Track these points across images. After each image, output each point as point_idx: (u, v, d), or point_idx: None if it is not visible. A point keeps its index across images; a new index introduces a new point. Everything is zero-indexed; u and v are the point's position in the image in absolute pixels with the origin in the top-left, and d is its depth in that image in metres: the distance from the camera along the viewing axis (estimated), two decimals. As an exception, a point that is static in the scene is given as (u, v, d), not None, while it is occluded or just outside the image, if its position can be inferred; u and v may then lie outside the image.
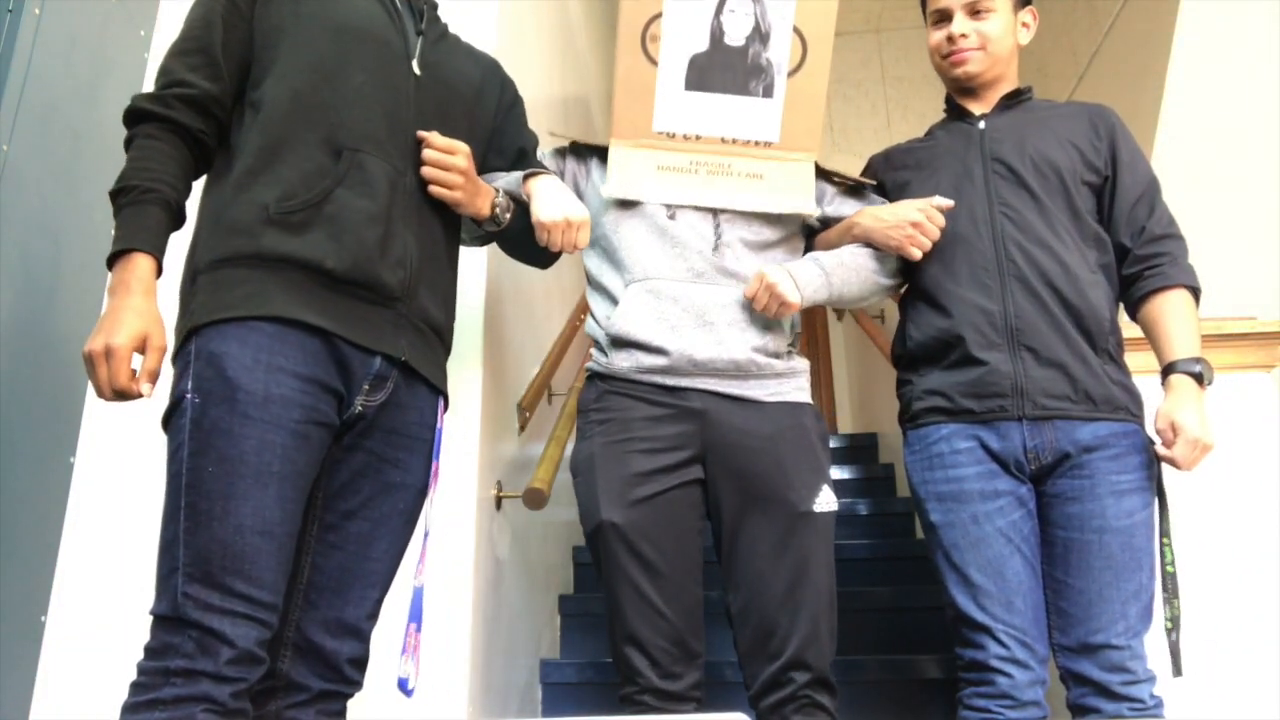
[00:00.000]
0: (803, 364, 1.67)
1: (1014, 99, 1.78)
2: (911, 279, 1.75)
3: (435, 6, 1.57)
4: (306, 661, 1.29)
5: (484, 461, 1.93)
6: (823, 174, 1.74)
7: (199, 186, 1.37)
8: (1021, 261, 1.64)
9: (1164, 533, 1.57)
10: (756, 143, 1.67)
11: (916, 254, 1.64)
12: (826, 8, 1.66)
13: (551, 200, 1.52)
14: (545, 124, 2.50)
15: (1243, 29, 2.78)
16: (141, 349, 1.18)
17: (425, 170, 1.40)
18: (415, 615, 1.35)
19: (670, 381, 1.58)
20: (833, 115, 5.53)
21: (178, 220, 1.28)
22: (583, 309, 2.79)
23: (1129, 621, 1.52)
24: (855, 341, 5.12)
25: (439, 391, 1.44)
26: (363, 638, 1.34)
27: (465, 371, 1.92)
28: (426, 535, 1.40)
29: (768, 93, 1.66)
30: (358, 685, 1.34)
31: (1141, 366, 1.71)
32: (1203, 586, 2.00)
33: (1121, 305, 1.72)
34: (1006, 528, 1.58)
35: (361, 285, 1.30)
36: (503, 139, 1.63)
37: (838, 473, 3.83)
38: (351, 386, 1.30)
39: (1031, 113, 1.77)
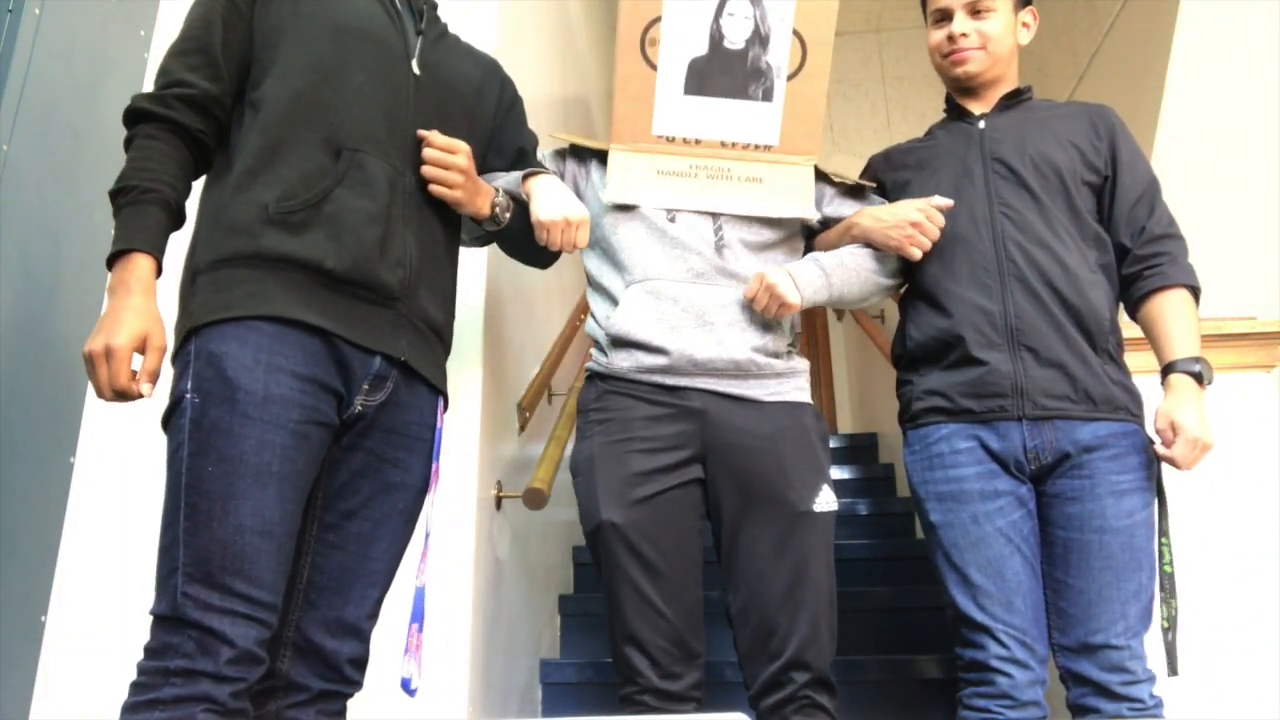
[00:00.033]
0: (803, 364, 1.67)
1: (1014, 99, 1.78)
2: (911, 279, 1.75)
3: (435, 6, 1.57)
4: (306, 661, 1.29)
5: (484, 461, 1.93)
6: (822, 176, 1.74)
7: (198, 186, 1.37)
8: (1021, 261, 1.64)
9: (1163, 533, 1.57)
10: (756, 146, 1.67)
11: (916, 254, 1.65)
12: (826, 10, 1.65)
13: (551, 199, 1.52)
14: (545, 124, 2.50)
15: (1243, 29, 2.78)
16: (141, 349, 1.18)
17: (425, 169, 1.40)
18: (417, 615, 1.35)
19: (670, 381, 1.58)
20: (833, 115, 5.53)
21: (177, 220, 1.28)
22: (583, 309, 2.79)
23: (1129, 621, 1.52)
24: (855, 341, 5.12)
25: (438, 391, 1.44)
26: (363, 638, 1.34)
27: (465, 371, 1.92)
28: (428, 535, 1.40)
29: (767, 96, 1.66)
30: (358, 685, 1.34)
31: (1141, 366, 1.71)
32: (1202, 586, 2.00)
33: (1121, 305, 1.72)
34: (1006, 528, 1.58)
35: (361, 285, 1.30)
36: (502, 139, 1.63)
37: (838, 473, 3.84)
38: (351, 386, 1.30)
39: (1031, 112, 1.77)
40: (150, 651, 1.14)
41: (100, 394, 1.17)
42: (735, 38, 1.65)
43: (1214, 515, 2.06)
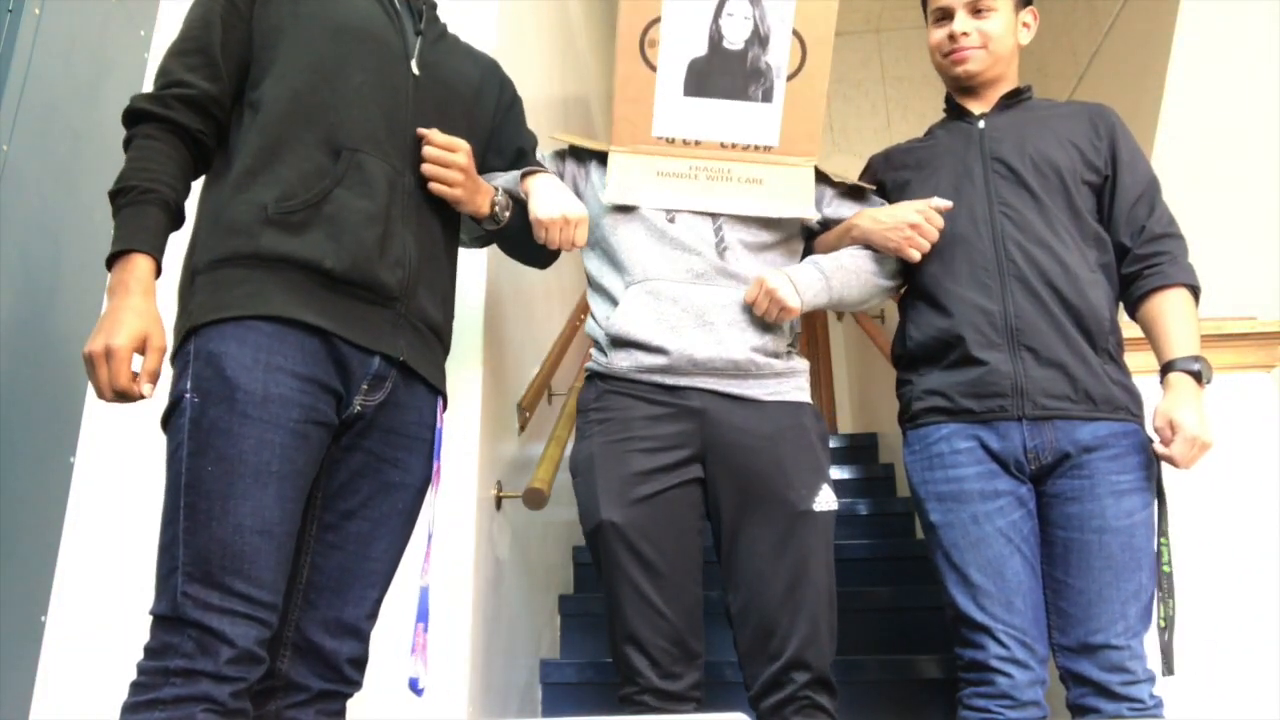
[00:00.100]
0: (802, 364, 1.67)
1: (1014, 98, 1.78)
2: (911, 279, 1.75)
3: (434, 6, 1.57)
4: (306, 661, 1.29)
5: (484, 461, 1.93)
6: (822, 177, 1.74)
7: (198, 186, 1.37)
8: (1021, 261, 1.64)
9: (1162, 533, 1.57)
10: (756, 147, 1.67)
11: (915, 255, 1.64)
12: (826, 10, 1.65)
13: (549, 197, 1.52)
14: (545, 124, 2.50)
15: (1243, 29, 2.78)
16: (141, 349, 1.18)
17: (425, 168, 1.40)
18: (422, 615, 1.35)
19: (670, 381, 1.58)
20: (833, 115, 5.53)
21: (177, 220, 1.28)
22: (583, 309, 2.79)
23: (1129, 621, 1.52)
24: (855, 341, 5.12)
25: (437, 391, 1.44)
26: (362, 637, 1.34)
27: (465, 371, 1.92)
28: (430, 536, 1.40)
29: (767, 97, 1.66)
30: (357, 685, 1.34)
31: (1141, 366, 1.71)
32: (1202, 586, 2.00)
33: (1121, 305, 1.72)
34: (1006, 528, 1.58)
35: (360, 285, 1.30)
36: (501, 139, 1.63)
37: (838, 473, 3.84)
38: (350, 386, 1.30)
39: (1031, 112, 1.77)
40: (150, 651, 1.14)
41: (101, 395, 1.17)
42: (735, 38, 1.65)
43: (1214, 515, 2.06)
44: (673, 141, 1.67)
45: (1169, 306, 1.63)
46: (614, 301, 1.64)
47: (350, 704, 1.36)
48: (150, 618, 1.16)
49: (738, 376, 1.59)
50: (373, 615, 1.35)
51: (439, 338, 1.45)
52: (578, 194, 1.70)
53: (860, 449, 4.27)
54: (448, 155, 1.40)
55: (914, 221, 1.63)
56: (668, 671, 1.50)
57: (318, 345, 1.26)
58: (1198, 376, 1.56)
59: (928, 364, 1.70)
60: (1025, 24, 1.79)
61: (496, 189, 1.52)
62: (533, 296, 2.55)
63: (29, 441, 1.68)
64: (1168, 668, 1.52)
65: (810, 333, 5.97)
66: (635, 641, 1.51)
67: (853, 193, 1.77)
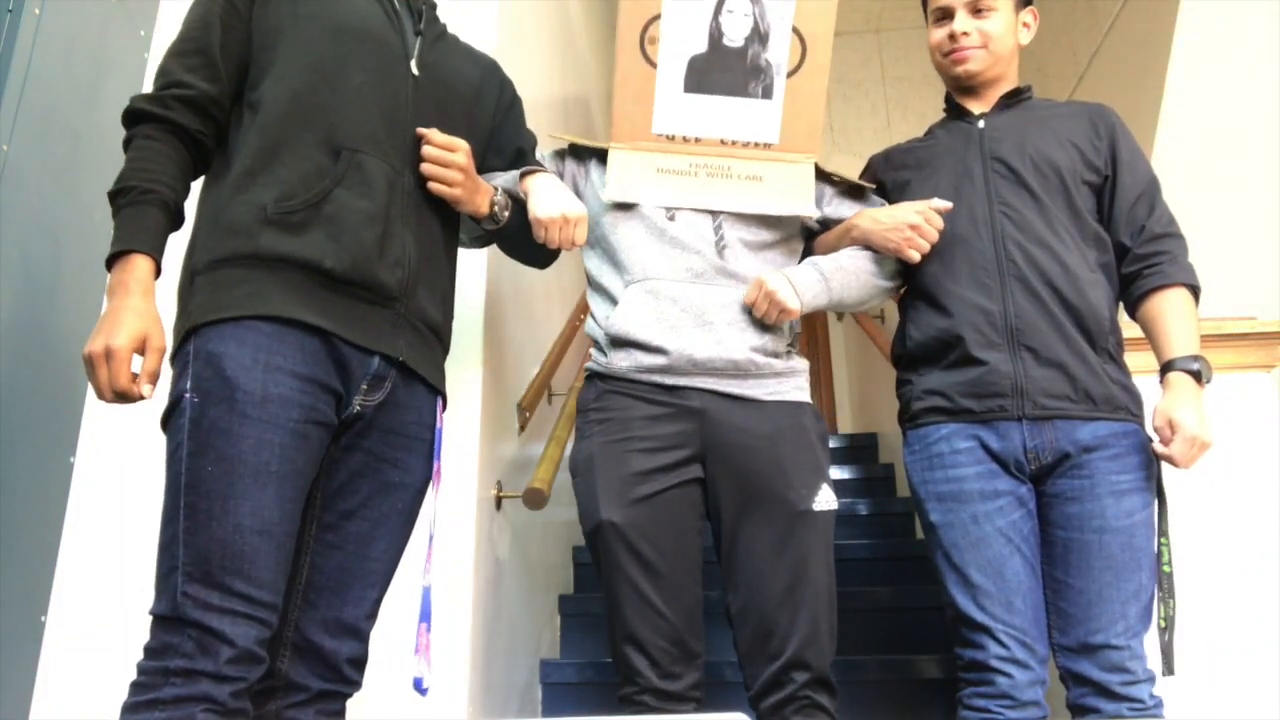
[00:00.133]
0: (802, 364, 1.67)
1: (1014, 98, 1.78)
2: (911, 279, 1.75)
3: (434, 7, 1.57)
4: (305, 661, 1.29)
5: (484, 461, 1.93)
6: (822, 175, 1.74)
7: (197, 187, 1.37)
8: (1021, 261, 1.64)
9: (1162, 533, 1.57)
10: (756, 144, 1.67)
11: (915, 256, 1.64)
12: (826, 8, 1.65)
13: (548, 197, 1.53)
14: (545, 124, 2.50)
15: (1243, 29, 2.78)
16: (141, 350, 1.18)
17: (424, 167, 1.40)
18: (425, 615, 1.35)
19: (669, 381, 1.58)
20: (833, 115, 5.53)
21: (176, 221, 1.28)
22: (583, 309, 2.79)
23: (1129, 621, 1.52)
24: (855, 341, 5.12)
25: (437, 391, 1.44)
26: (362, 638, 1.34)
27: (465, 371, 1.92)
28: (432, 536, 1.40)
29: (767, 94, 1.66)
30: (357, 685, 1.34)
31: (1142, 366, 1.71)
32: (1202, 586, 2.00)
33: (1121, 304, 1.71)
34: (1006, 528, 1.58)
35: (360, 285, 1.30)
36: (501, 139, 1.63)
37: (838, 473, 3.83)
38: (350, 386, 1.30)
39: (1031, 112, 1.77)
40: (150, 651, 1.14)
41: (100, 395, 1.17)
42: (735, 35, 1.65)
43: (1214, 515, 2.06)
44: (673, 138, 1.67)
45: (1169, 306, 1.62)
46: (613, 301, 1.63)
47: (350, 704, 1.36)
48: (150, 618, 1.16)
49: (737, 376, 1.59)
50: (372, 615, 1.35)
51: (438, 338, 1.45)
52: (577, 193, 1.70)
53: (860, 449, 4.27)
54: (447, 155, 1.40)
55: (914, 222, 1.63)
56: (667, 671, 1.50)
57: (317, 345, 1.26)
58: (1197, 376, 1.56)
59: (928, 364, 1.70)
60: (1025, 24, 1.79)
61: (496, 189, 1.52)
62: (533, 296, 2.55)
63: (29, 441, 1.68)
64: (1168, 668, 1.52)
65: (810, 333, 5.97)
66: (635, 641, 1.51)
67: (853, 192, 1.77)
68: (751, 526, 1.54)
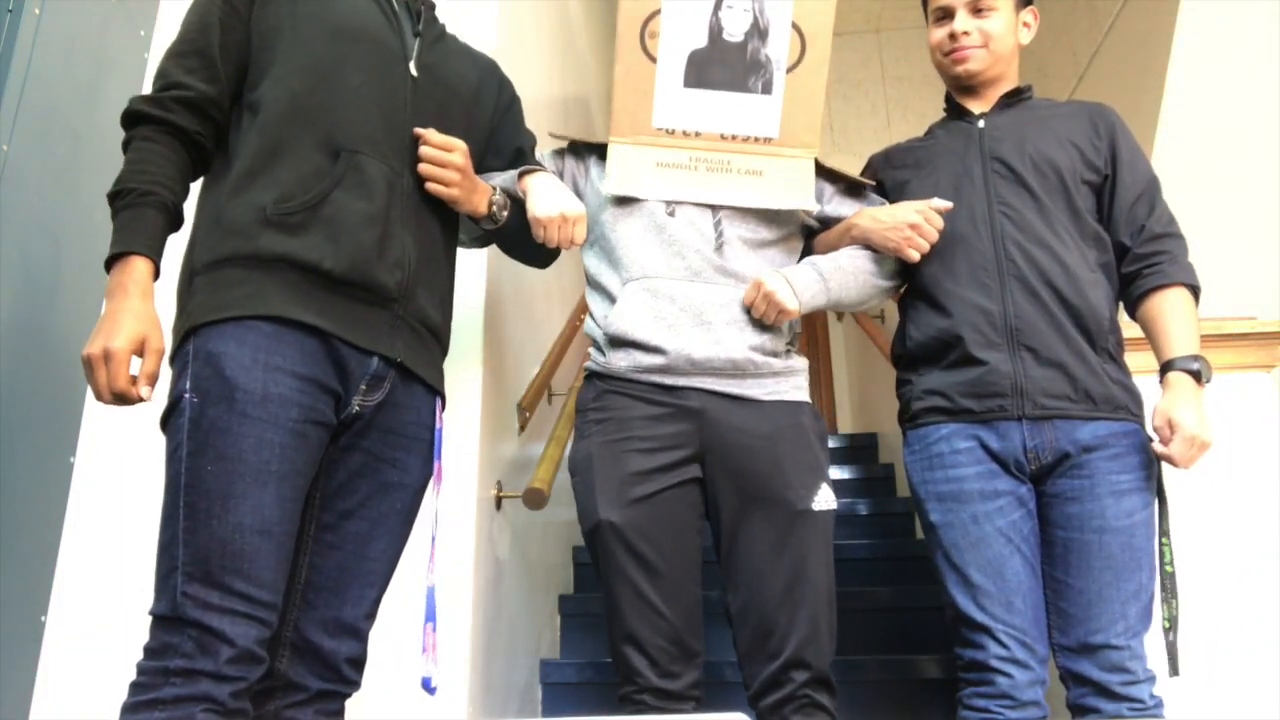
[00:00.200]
0: (801, 363, 1.67)
1: (1014, 98, 1.78)
2: (911, 279, 1.75)
3: (432, 7, 1.57)
4: (305, 661, 1.29)
5: (484, 461, 1.93)
6: (823, 172, 1.74)
7: (196, 187, 1.37)
8: (1021, 261, 1.64)
9: (1163, 532, 1.57)
10: (756, 139, 1.67)
11: (915, 256, 1.64)
12: (825, 4, 1.66)
13: (547, 196, 1.53)
14: (545, 124, 2.50)
15: (1243, 29, 2.78)
16: (140, 352, 1.18)
17: (422, 167, 1.40)
18: (430, 615, 1.35)
19: (668, 381, 1.58)
20: (833, 115, 5.53)
21: (175, 222, 1.28)
22: (583, 309, 2.79)
23: (1129, 621, 1.52)
24: (855, 341, 5.12)
25: (436, 392, 1.44)
26: (361, 637, 1.34)
27: (465, 371, 1.92)
28: (434, 537, 1.40)
29: (767, 89, 1.66)
30: (356, 685, 1.34)
31: (1142, 366, 1.71)
32: (1202, 586, 2.00)
33: (1121, 304, 1.71)
34: (1006, 528, 1.58)
35: (359, 286, 1.30)
36: (500, 139, 1.63)
37: (838, 473, 3.83)
38: (349, 386, 1.30)
39: (1031, 112, 1.77)
40: (150, 651, 1.14)
41: (99, 397, 1.17)
42: (734, 30, 1.65)
43: (1214, 515, 2.06)
44: (672, 133, 1.67)
45: (1168, 306, 1.62)
46: (612, 299, 1.63)
47: (350, 704, 1.36)
48: (150, 618, 1.16)
49: (736, 376, 1.59)
50: (371, 615, 1.35)
51: (437, 338, 1.45)
52: (577, 191, 1.70)
53: (860, 449, 4.27)
54: (444, 155, 1.40)
55: (913, 221, 1.63)
56: (667, 671, 1.50)
57: (316, 345, 1.26)
58: (1197, 376, 1.56)
59: (927, 364, 1.70)
60: (1026, 24, 1.79)
61: (494, 189, 1.52)
62: (533, 296, 2.55)
63: (29, 441, 1.68)
64: (1173, 668, 1.51)
65: (810, 332, 5.97)
66: (634, 641, 1.51)
67: (852, 191, 1.77)
68: (751, 526, 1.54)
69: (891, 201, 1.75)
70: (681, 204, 1.65)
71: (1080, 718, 1.54)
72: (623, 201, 1.66)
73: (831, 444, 4.20)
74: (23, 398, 1.65)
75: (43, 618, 1.71)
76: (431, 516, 1.41)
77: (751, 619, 1.53)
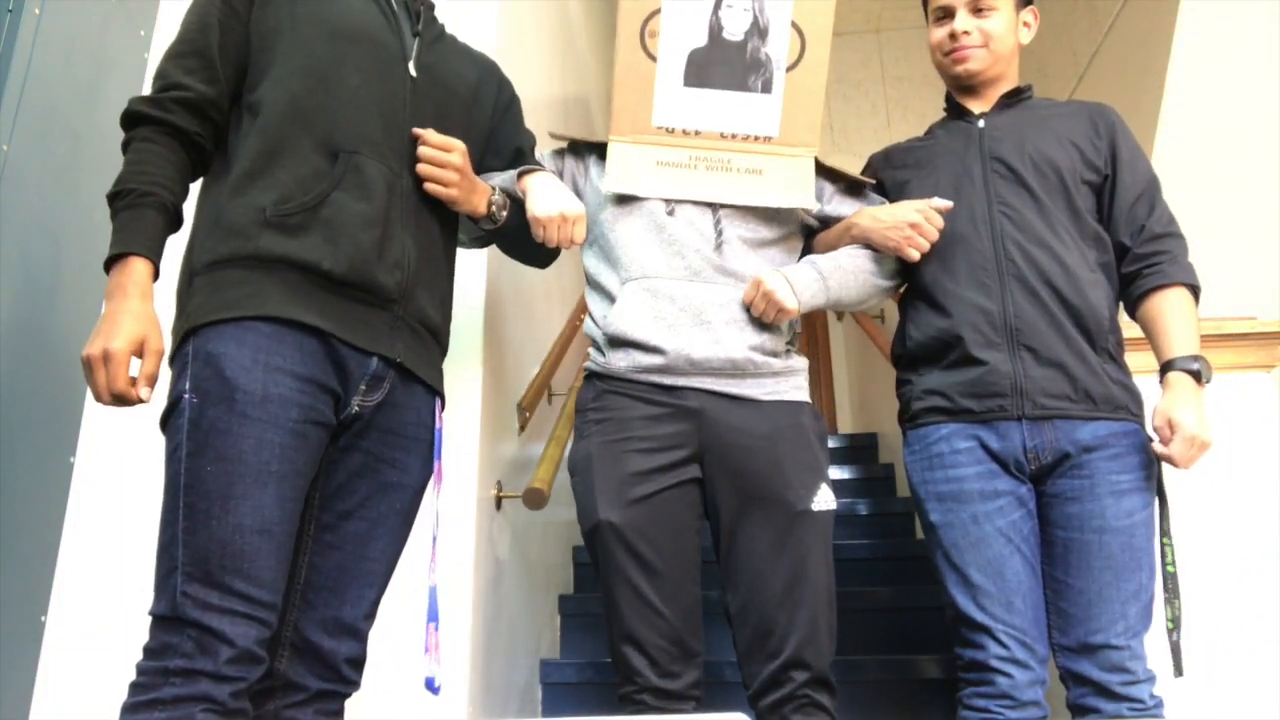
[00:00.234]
0: (801, 363, 1.67)
1: (1014, 98, 1.78)
2: (911, 279, 1.75)
3: (431, 7, 1.57)
4: (304, 661, 1.29)
5: (484, 461, 1.93)
6: (823, 171, 1.74)
7: (195, 188, 1.37)
8: (1021, 261, 1.64)
9: (1164, 532, 1.57)
10: (756, 138, 1.67)
11: (915, 255, 1.64)
12: (825, 3, 1.66)
13: (546, 195, 1.53)
14: (545, 124, 2.50)
15: (1243, 29, 2.77)
16: (139, 353, 1.18)
17: (420, 168, 1.40)
18: (433, 615, 1.35)
19: (667, 381, 1.58)
20: (833, 115, 5.53)
21: (175, 223, 1.28)
22: (583, 309, 2.79)
23: (1129, 621, 1.52)
24: (855, 341, 5.12)
25: (435, 392, 1.44)
26: (360, 637, 1.34)
27: (465, 371, 1.92)
28: (435, 537, 1.40)
29: (766, 88, 1.66)
30: (355, 685, 1.34)
31: (1142, 366, 1.71)
32: (1203, 586, 2.00)
33: (1121, 304, 1.71)
34: (1006, 528, 1.58)
35: (358, 287, 1.30)
36: (499, 139, 1.63)
37: (838, 473, 3.83)
38: (348, 387, 1.30)
39: (1031, 111, 1.77)
40: (149, 651, 1.14)
41: (98, 398, 1.17)
42: (734, 29, 1.65)
43: (1214, 515, 2.06)
44: (672, 131, 1.67)
45: (1168, 306, 1.62)
46: (611, 299, 1.63)
47: (350, 704, 1.36)
48: (150, 618, 1.16)
49: (736, 376, 1.58)
50: (370, 615, 1.35)
51: (436, 339, 1.45)
52: (576, 191, 1.71)
53: (860, 449, 4.27)
54: (442, 155, 1.40)
55: (914, 221, 1.63)
56: (666, 670, 1.50)
57: (316, 346, 1.26)
58: (1197, 376, 1.56)
59: (927, 364, 1.70)
60: (1026, 23, 1.79)
61: (493, 188, 1.52)
62: (533, 296, 2.55)
63: (29, 441, 1.68)
64: (1177, 669, 1.51)
65: (810, 332, 5.97)
66: (634, 641, 1.51)
67: (852, 190, 1.77)
68: (750, 526, 1.54)
69: (891, 201, 1.75)
70: (681, 203, 1.65)
71: (1080, 718, 1.54)
72: (622, 201, 1.66)
73: (831, 444, 4.20)
74: (23, 398, 1.65)
75: (43, 618, 1.71)
76: (432, 516, 1.41)
77: (751, 619, 1.53)
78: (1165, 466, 1.58)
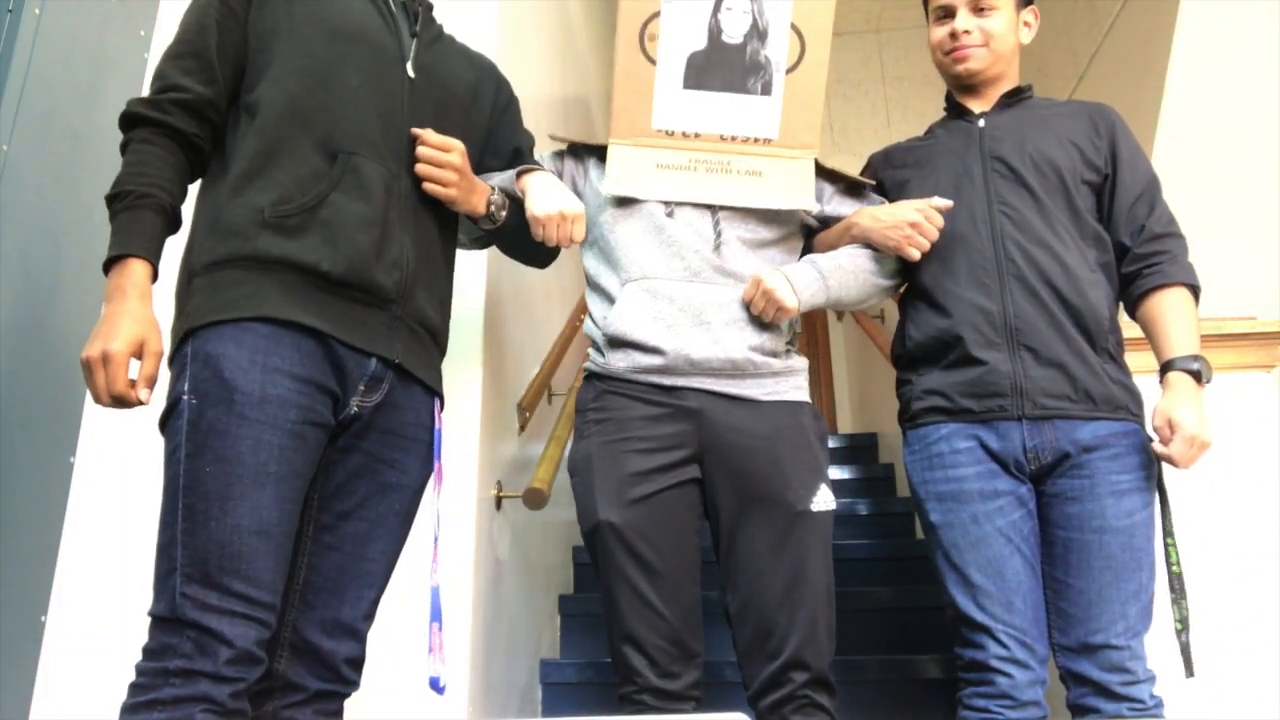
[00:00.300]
0: (801, 363, 1.67)
1: (1014, 97, 1.78)
2: (911, 278, 1.75)
3: (430, 8, 1.57)
4: (303, 661, 1.29)
5: (484, 461, 1.93)
6: (822, 172, 1.74)
7: (194, 189, 1.37)
8: (1021, 261, 1.64)
9: (1168, 533, 1.57)
10: (756, 140, 1.67)
11: (915, 255, 1.64)
12: (824, 5, 1.66)
13: (545, 194, 1.53)
14: (545, 124, 2.50)
15: (1243, 29, 2.78)
16: (139, 354, 1.18)
17: (419, 168, 1.40)
18: (436, 614, 1.35)
19: (667, 381, 1.58)
20: (833, 115, 5.53)
21: (173, 225, 1.28)
22: (582, 309, 2.79)
23: (1129, 621, 1.52)
24: (855, 341, 5.12)
25: (434, 392, 1.44)
26: (359, 638, 1.34)
27: (465, 372, 1.92)
28: (436, 537, 1.40)
29: (766, 90, 1.66)
30: (354, 685, 1.34)
31: (1142, 366, 1.71)
32: (1203, 586, 1.99)
33: (1121, 304, 1.71)
34: (1006, 528, 1.58)
35: (357, 288, 1.30)
36: (498, 139, 1.63)
37: (838, 473, 3.83)
38: (347, 387, 1.30)
39: (1031, 111, 1.77)
40: (149, 652, 1.14)
41: (98, 400, 1.17)
42: (734, 32, 1.65)
43: (1214, 515, 2.06)
44: (672, 134, 1.67)
45: (1168, 305, 1.62)
46: (611, 300, 1.63)
47: (349, 704, 1.36)
48: (149, 619, 1.16)
49: (735, 376, 1.58)
50: (370, 615, 1.35)
51: (435, 339, 1.45)
52: (576, 192, 1.70)
53: (860, 449, 4.27)
54: (441, 155, 1.40)
55: (914, 220, 1.63)
56: (666, 671, 1.50)
57: (314, 347, 1.26)
58: (1197, 376, 1.56)
59: (927, 364, 1.70)
60: (1026, 23, 1.79)
61: (493, 188, 1.52)
62: (533, 296, 2.55)
63: (29, 441, 1.68)
64: (1188, 669, 1.51)
65: (810, 332, 5.97)
66: (633, 641, 1.51)
67: (852, 190, 1.77)
68: (750, 526, 1.54)
69: (891, 201, 1.75)
70: (680, 205, 1.65)
71: (1080, 718, 1.53)
72: (622, 203, 1.66)
73: (831, 444, 4.20)
74: (23, 398, 1.65)
75: (43, 618, 1.71)
76: (433, 517, 1.41)
77: (751, 619, 1.53)
78: (1165, 467, 1.58)
